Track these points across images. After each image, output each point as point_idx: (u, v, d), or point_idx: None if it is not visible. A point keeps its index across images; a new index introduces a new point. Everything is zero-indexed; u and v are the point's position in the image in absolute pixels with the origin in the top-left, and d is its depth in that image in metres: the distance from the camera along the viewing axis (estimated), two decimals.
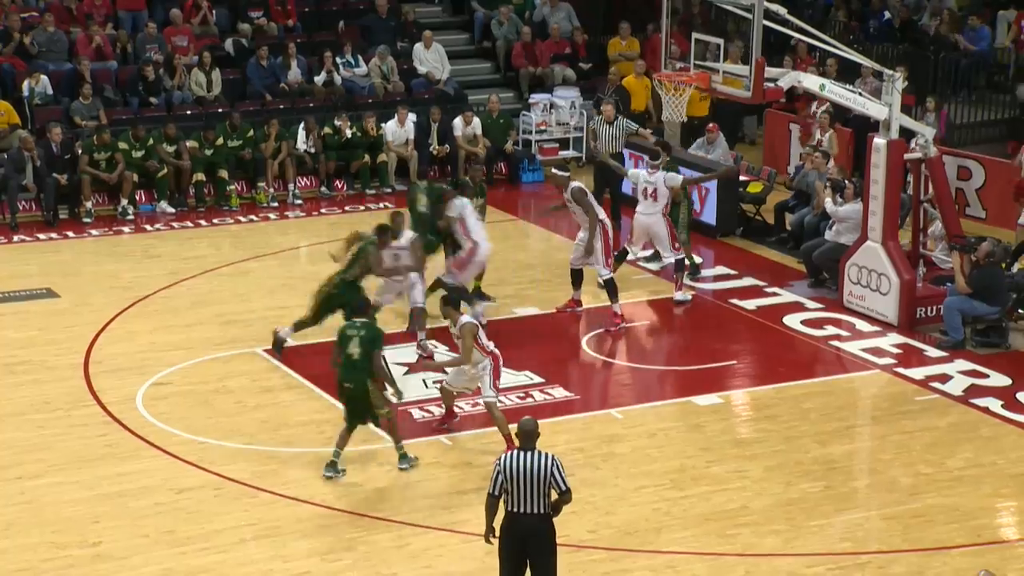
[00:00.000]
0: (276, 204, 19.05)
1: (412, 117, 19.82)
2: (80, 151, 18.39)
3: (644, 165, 15.60)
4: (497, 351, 11.71)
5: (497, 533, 8.92)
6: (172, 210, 18.66)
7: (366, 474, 11.49)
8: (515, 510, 8.78)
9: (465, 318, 11.67)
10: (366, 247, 13.42)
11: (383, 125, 19.70)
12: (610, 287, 14.55)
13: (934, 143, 14.98)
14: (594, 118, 18.34)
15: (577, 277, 14.91)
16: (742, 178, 18.28)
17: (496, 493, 8.83)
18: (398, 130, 19.63)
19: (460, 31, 23.23)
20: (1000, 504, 11.18)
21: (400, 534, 10.53)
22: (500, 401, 11.90)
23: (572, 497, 8.89)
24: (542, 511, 8.78)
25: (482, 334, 11.65)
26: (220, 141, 19.00)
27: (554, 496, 8.82)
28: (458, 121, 19.88)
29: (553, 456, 8.82)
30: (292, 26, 21.61)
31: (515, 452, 8.81)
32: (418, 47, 21.41)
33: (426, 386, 13.11)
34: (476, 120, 19.95)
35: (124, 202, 18.44)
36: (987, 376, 13.49)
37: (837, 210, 15.44)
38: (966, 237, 14.89)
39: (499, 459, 8.87)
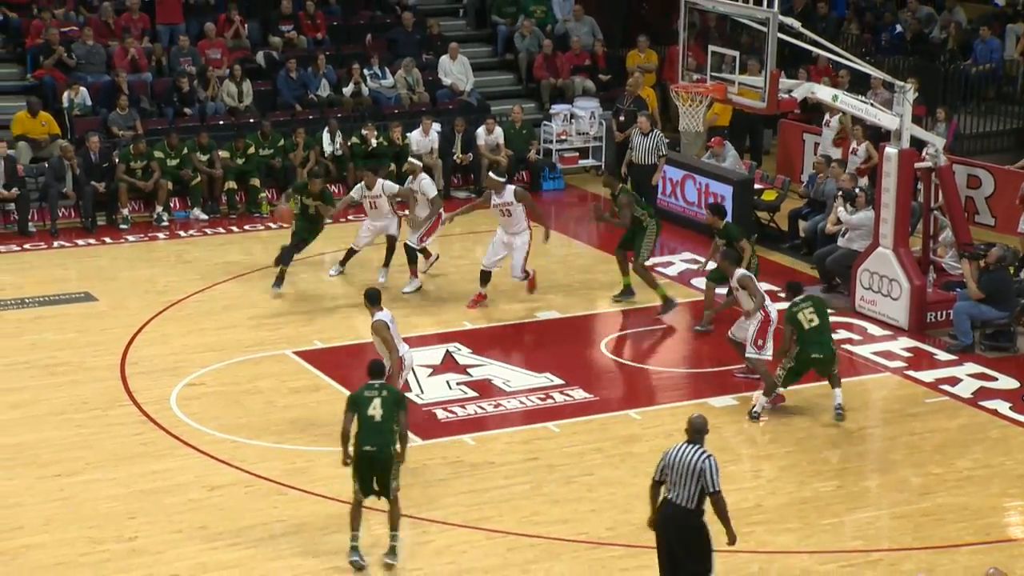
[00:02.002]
0: None
1: (436, 127, 19.84)
2: (117, 160, 18.48)
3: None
4: (407, 354, 11.52)
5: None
6: (205, 217, 18.73)
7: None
8: (669, 496, 8.91)
9: (378, 315, 11.52)
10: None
11: (408, 135, 19.74)
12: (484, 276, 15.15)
13: (944, 152, 14.91)
14: (631, 128, 18.34)
15: (486, 278, 15.21)
16: (757, 187, 18.23)
17: (658, 479, 8.96)
18: (423, 139, 19.65)
19: (483, 44, 23.24)
20: (1008, 503, 11.11)
21: (425, 531, 10.53)
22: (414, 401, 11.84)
23: (724, 501, 8.83)
24: (691, 505, 8.81)
25: (395, 330, 11.46)
26: (252, 150, 19.07)
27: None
28: (481, 130, 19.89)
29: (710, 455, 8.84)
30: (321, 39, 21.67)
31: (681, 445, 8.92)
32: (444, 59, 21.44)
33: (449, 387, 13.12)
34: (498, 129, 19.95)
35: (159, 209, 18.52)
36: (996, 379, 13.42)
37: (850, 218, 15.39)
38: (974, 244, 14.82)
39: (666, 451, 9.00)
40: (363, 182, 15.87)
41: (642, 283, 15.19)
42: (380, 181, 15.84)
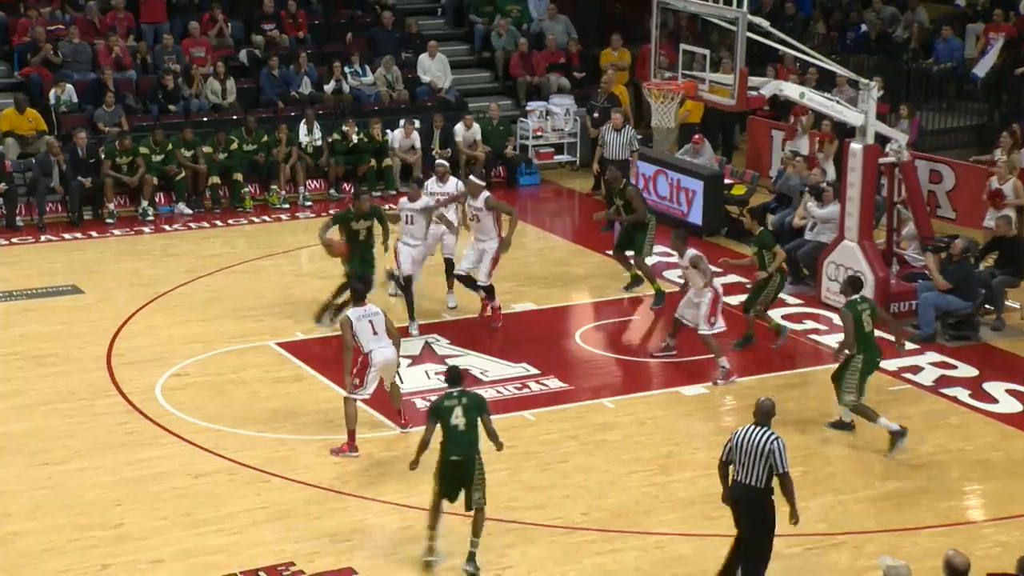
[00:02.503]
0: (287, 206, 19.05)
1: (417, 123, 19.80)
2: (103, 156, 18.40)
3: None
4: (376, 352, 11.36)
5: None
6: (189, 211, 18.66)
7: (374, 459, 11.50)
8: (736, 478, 9.05)
9: (347, 311, 11.56)
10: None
11: (388, 132, 19.71)
12: (489, 291, 14.25)
13: (907, 148, 14.99)
14: (603, 126, 18.36)
15: (468, 282, 14.35)
16: (727, 181, 18.29)
17: (725, 459, 9.12)
18: (404, 140, 19.63)
19: (461, 42, 23.21)
20: (967, 487, 11.20)
21: (404, 516, 10.54)
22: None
23: (791, 481, 8.99)
24: (760, 485, 8.96)
25: (358, 328, 11.28)
26: (235, 146, 19.01)
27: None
28: (459, 126, 19.88)
29: (778, 437, 8.97)
30: (303, 38, 21.60)
31: (749, 427, 9.05)
32: (422, 57, 21.41)
33: (428, 377, 13.12)
34: (476, 125, 19.95)
35: (144, 204, 18.45)
36: (956, 367, 13.52)
37: (819, 212, 15.45)
38: (935, 237, 14.92)
39: (733, 432, 9.11)
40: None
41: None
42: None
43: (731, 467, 9.10)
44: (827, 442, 12.07)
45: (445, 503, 9.72)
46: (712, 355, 13.08)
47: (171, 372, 13.19)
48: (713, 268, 13.72)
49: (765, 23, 14.56)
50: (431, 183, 14.86)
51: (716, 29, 16.96)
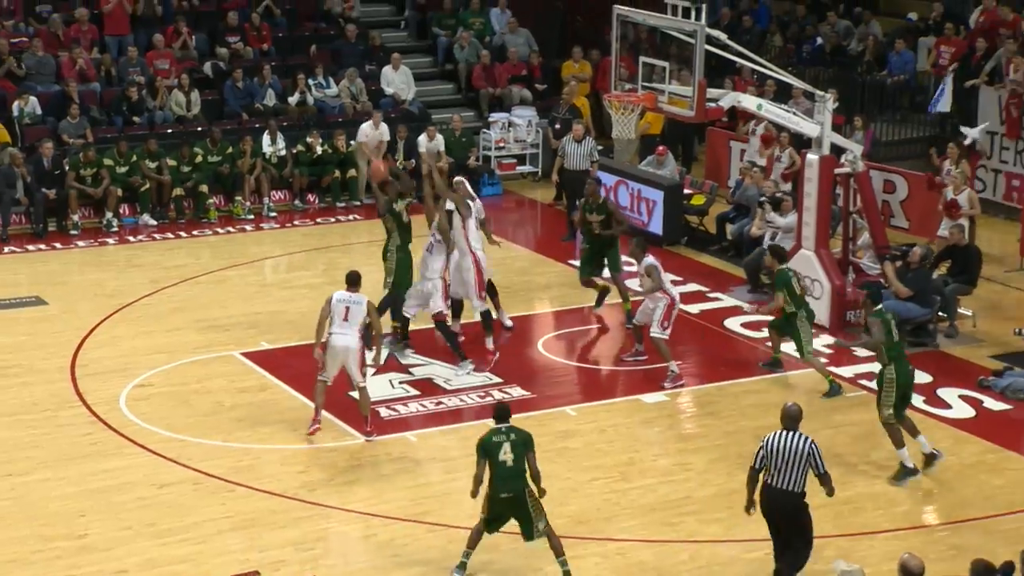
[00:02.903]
0: (252, 216, 18.93)
1: (384, 127, 19.59)
2: (68, 167, 18.22)
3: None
4: (336, 337, 11.65)
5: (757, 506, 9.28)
6: (154, 222, 18.51)
7: (339, 468, 11.44)
8: (771, 483, 9.09)
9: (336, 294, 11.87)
10: None
11: (352, 143, 19.65)
12: (486, 319, 13.67)
13: (862, 159, 15.09)
14: (564, 137, 18.34)
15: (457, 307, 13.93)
16: (687, 191, 18.35)
17: (757, 467, 9.14)
18: (429, 144, 19.52)
19: (424, 55, 23.18)
20: (922, 492, 11.26)
21: (368, 524, 10.49)
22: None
23: (831, 480, 9.17)
24: (797, 489, 9.05)
25: (334, 308, 11.63)
26: (200, 157, 18.88)
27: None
28: (423, 137, 19.84)
29: (812, 440, 9.10)
30: (267, 50, 21.50)
31: (780, 432, 9.10)
32: (386, 69, 21.36)
33: (392, 386, 13.07)
34: (439, 137, 19.91)
35: (109, 215, 18.28)
36: None
37: (782, 221, 15.48)
38: (891, 246, 15.02)
39: (764, 439, 9.14)
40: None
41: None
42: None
43: (762, 475, 9.15)
44: None
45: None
46: (645, 360, 13.27)
47: (135, 383, 13.07)
48: (673, 277, 13.75)
49: (723, 36, 14.64)
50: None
51: (675, 42, 17.05)
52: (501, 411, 9.77)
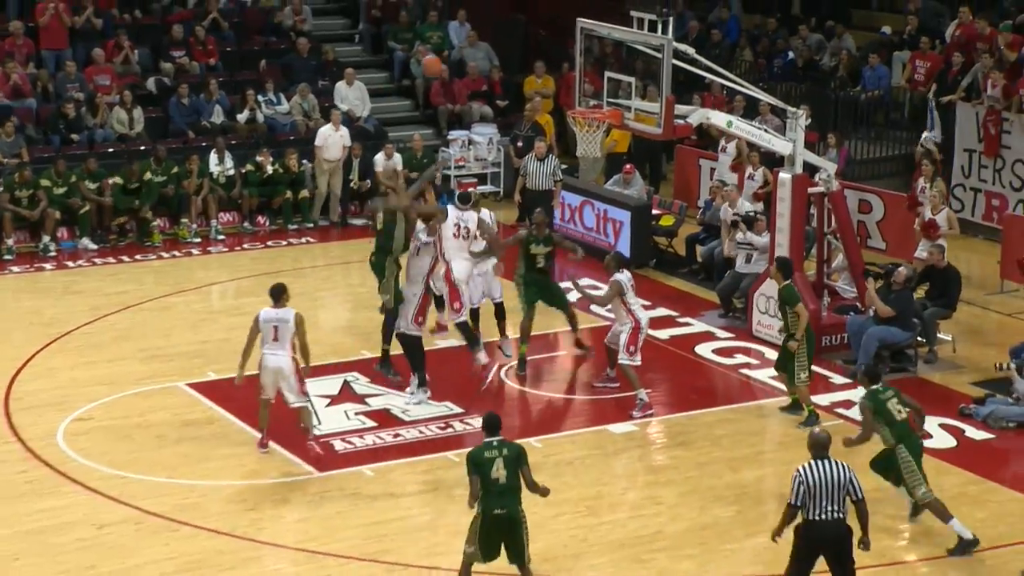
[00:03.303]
0: (198, 240, 18.81)
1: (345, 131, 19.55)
2: (1, 188, 18.04)
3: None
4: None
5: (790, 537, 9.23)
6: (94, 246, 18.35)
7: (289, 504, 11.33)
8: (815, 517, 9.07)
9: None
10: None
11: (305, 162, 19.59)
12: (463, 330, 13.59)
13: (836, 178, 15.19)
14: (527, 155, 18.34)
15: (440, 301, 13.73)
16: (655, 212, 18.40)
17: (798, 503, 9.10)
18: (386, 162, 19.49)
19: (380, 70, 23.19)
20: (901, 526, 11.28)
21: (322, 565, 10.38)
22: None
23: (867, 507, 9.22)
24: (842, 516, 9.09)
25: (262, 328, 11.87)
26: (148, 175, 18.68)
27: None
28: (379, 156, 19.80)
29: (848, 465, 9.13)
30: (213, 65, 21.43)
31: (813, 463, 9.09)
32: (340, 85, 21.33)
33: (347, 418, 12.99)
34: (397, 155, 19.90)
35: (46, 239, 18.10)
36: None
37: (758, 240, 15.47)
38: (877, 264, 15.09)
39: (799, 471, 9.10)
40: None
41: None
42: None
43: (801, 510, 9.15)
44: (760, 480, 12.12)
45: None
46: (618, 386, 13.29)
47: (74, 416, 12.91)
48: (643, 301, 13.75)
49: (691, 50, 14.73)
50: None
51: (641, 56, 17.11)
52: (491, 422, 9.60)
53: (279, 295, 12.05)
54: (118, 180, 18.50)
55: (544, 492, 9.65)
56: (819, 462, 9.15)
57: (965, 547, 10.67)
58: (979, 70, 19.55)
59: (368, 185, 19.82)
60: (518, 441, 12.35)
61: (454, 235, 13.27)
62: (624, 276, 13.20)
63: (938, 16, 22.51)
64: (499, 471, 9.35)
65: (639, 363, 13.14)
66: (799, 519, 9.22)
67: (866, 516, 9.30)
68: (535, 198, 17.77)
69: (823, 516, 9.10)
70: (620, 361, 13.16)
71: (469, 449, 9.68)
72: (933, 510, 10.85)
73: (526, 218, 18.03)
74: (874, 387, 10.95)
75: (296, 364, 11.91)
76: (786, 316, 13.01)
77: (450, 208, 13.49)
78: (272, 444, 12.23)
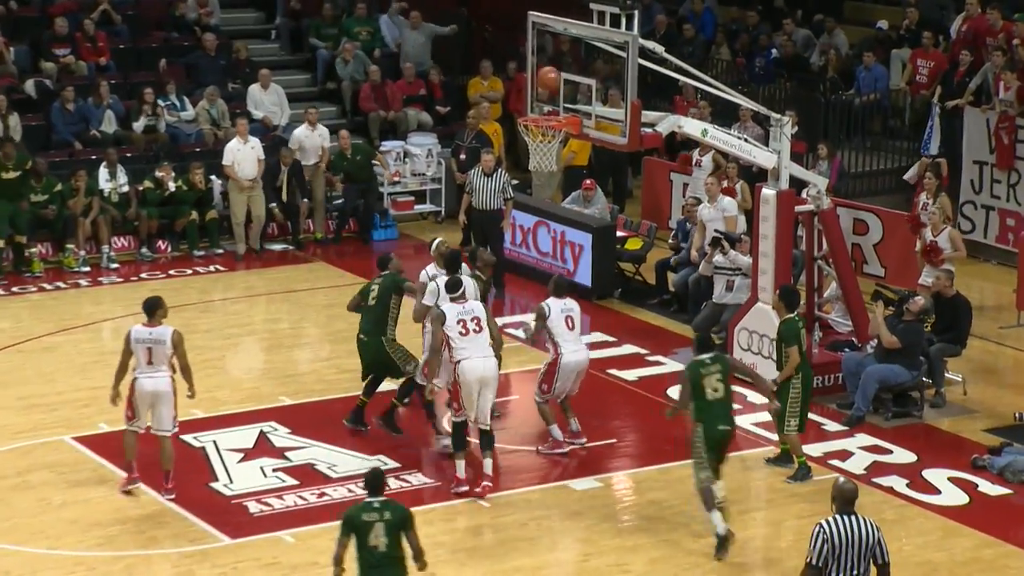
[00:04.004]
0: (87, 269, 18.72)
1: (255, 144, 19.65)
2: None
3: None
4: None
5: None
6: None
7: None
8: None
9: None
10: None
11: (213, 178, 19.56)
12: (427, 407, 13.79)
13: (827, 194, 15.36)
14: (475, 168, 18.41)
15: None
16: (620, 234, 18.53)
17: (819, 563, 9.03)
18: (311, 134, 19.53)
19: (300, 71, 23.26)
20: None
21: None
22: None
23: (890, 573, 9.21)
24: None
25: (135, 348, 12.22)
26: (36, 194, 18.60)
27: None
28: (301, 129, 19.95)
29: (876, 523, 9.15)
30: (104, 65, 21.38)
31: (838, 518, 9.08)
32: (253, 88, 21.35)
33: (264, 475, 12.94)
34: (322, 127, 20.03)
35: None
36: (891, 452, 13.79)
37: (742, 260, 15.51)
38: (892, 288, 15.24)
39: (822, 526, 9.07)
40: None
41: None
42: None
43: (822, 572, 9.15)
44: (744, 544, 12.15)
45: None
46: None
47: None
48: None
49: (660, 48, 14.87)
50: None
51: (602, 55, 17.29)
52: (374, 480, 9.58)
53: (153, 310, 12.28)
54: None
55: (423, 565, 9.52)
56: (845, 517, 9.14)
57: (721, 543, 11.62)
58: (990, 70, 19.79)
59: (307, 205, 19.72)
60: (462, 500, 12.45)
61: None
62: (554, 302, 13.47)
63: (942, 8, 22.83)
64: (378, 539, 9.30)
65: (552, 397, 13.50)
66: None
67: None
68: (482, 219, 17.84)
69: None
70: (535, 398, 13.49)
71: (346, 508, 9.65)
72: (702, 496, 11.64)
73: (471, 241, 18.11)
74: (700, 357, 11.92)
75: (174, 389, 12.22)
76: (781, 355, 13.09)
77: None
78: (174, 506, 12.15)
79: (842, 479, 9.42)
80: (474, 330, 12.59)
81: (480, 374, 12.58)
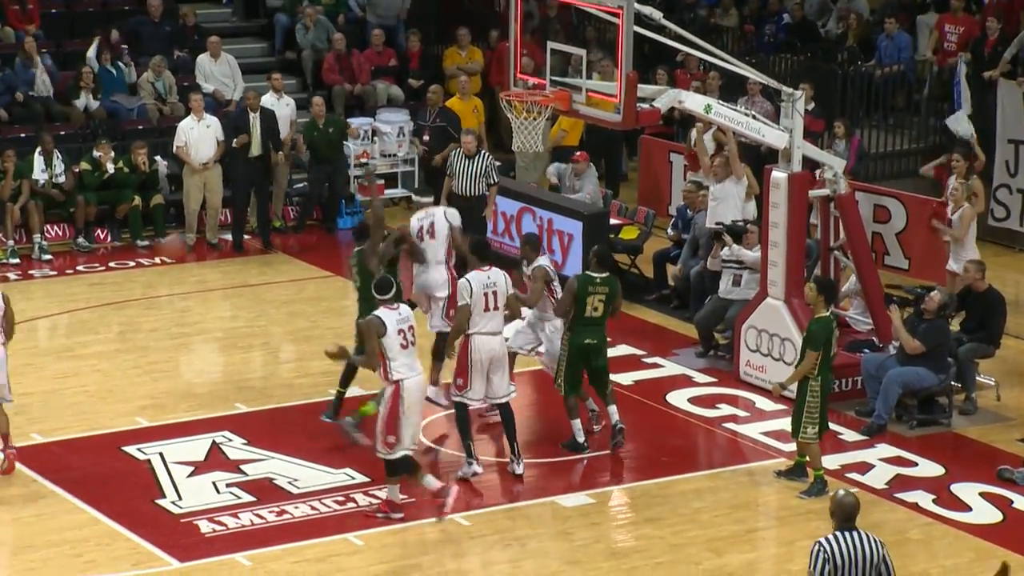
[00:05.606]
0: (17, 261, 18.73)
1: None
2: None
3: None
4: None
5: None
6: None
7: None
8: None
9: None
10: None
11: (158, 159, 19.56)
12: None
13: (845, 177, 15.42)
14: (451, 149, 18.43)
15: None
16: (614, 222, 18.57)
17: None
18: (277, 103, 19.69)
19: (256, 39, 23.27)
20: None
21: None
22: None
23: None
24: None
25: None
26: None
27: None
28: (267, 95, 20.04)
29: (880, 539, 9.25)
30: (35, 33, 21.34)
31: (840, 535, 9.16)
32: (203, 58, 21.36)
33: (217, 491, 12.98)
34: (287, 97, 20.10)
35: None
36: (915, 464, 13.85)
37: (748, 255, 15.62)
38: (905, 287, 15.27)
39: (821, 544, 9.16)
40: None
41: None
42: None
43: None
44: (751, 566, 12.26)
45: None
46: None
47: None
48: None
49: (658, 14, 14.89)
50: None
51: (594, 22, 17.34)
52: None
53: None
54: None
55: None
56: (846, 534, 9.25)
57: (574, 446, 13.59)
58: None
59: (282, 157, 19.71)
60: (432, 520, 12.49)
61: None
62: (547, 260, 13.81)
63: None
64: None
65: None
66: None
67: None
68: (465, 206, 17.81)
69: None
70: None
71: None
72: (566, 404, 13.43)
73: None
74: (591, 273, 13.44)
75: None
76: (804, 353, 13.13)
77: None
78: (117, 527, 12.18)
79: (842, 492, 9.50)
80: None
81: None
